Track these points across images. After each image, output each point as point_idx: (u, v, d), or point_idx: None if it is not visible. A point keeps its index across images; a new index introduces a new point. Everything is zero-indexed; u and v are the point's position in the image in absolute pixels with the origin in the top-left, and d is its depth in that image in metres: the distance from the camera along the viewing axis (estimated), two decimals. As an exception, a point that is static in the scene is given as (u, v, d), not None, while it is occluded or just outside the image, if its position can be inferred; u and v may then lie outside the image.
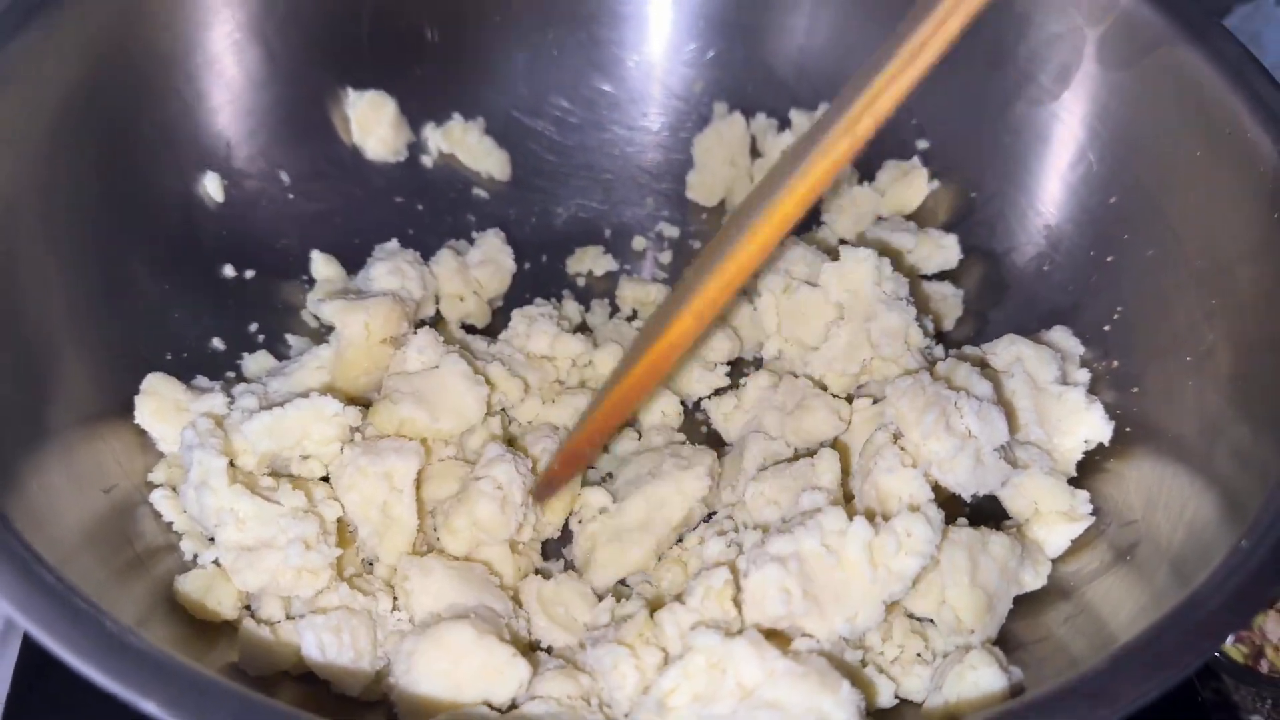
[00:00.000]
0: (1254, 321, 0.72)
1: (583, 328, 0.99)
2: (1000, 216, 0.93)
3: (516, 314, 0.94)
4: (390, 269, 0.91)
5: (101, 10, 0.79)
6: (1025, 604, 0.76)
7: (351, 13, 0.95)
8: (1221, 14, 1.40)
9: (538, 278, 1.01)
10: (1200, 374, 0.75)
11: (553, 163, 1.04)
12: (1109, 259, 0.85)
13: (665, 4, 1.02)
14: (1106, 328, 0.84)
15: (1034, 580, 0.76)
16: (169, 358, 0.83)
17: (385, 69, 0.98)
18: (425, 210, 1.01)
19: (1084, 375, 0.84)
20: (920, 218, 0.98)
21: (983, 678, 0.67)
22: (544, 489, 0.81)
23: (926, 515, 0.70)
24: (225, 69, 0.89)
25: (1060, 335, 0.86)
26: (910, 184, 0.98)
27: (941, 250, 0.94)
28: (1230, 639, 0.91)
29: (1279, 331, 0.70)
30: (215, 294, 0.89)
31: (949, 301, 0.94)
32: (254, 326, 0.91)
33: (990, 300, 0.93)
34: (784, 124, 1.03)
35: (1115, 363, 0.83)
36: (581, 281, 1.02)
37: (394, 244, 0.96)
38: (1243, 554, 0.57)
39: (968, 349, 0.87)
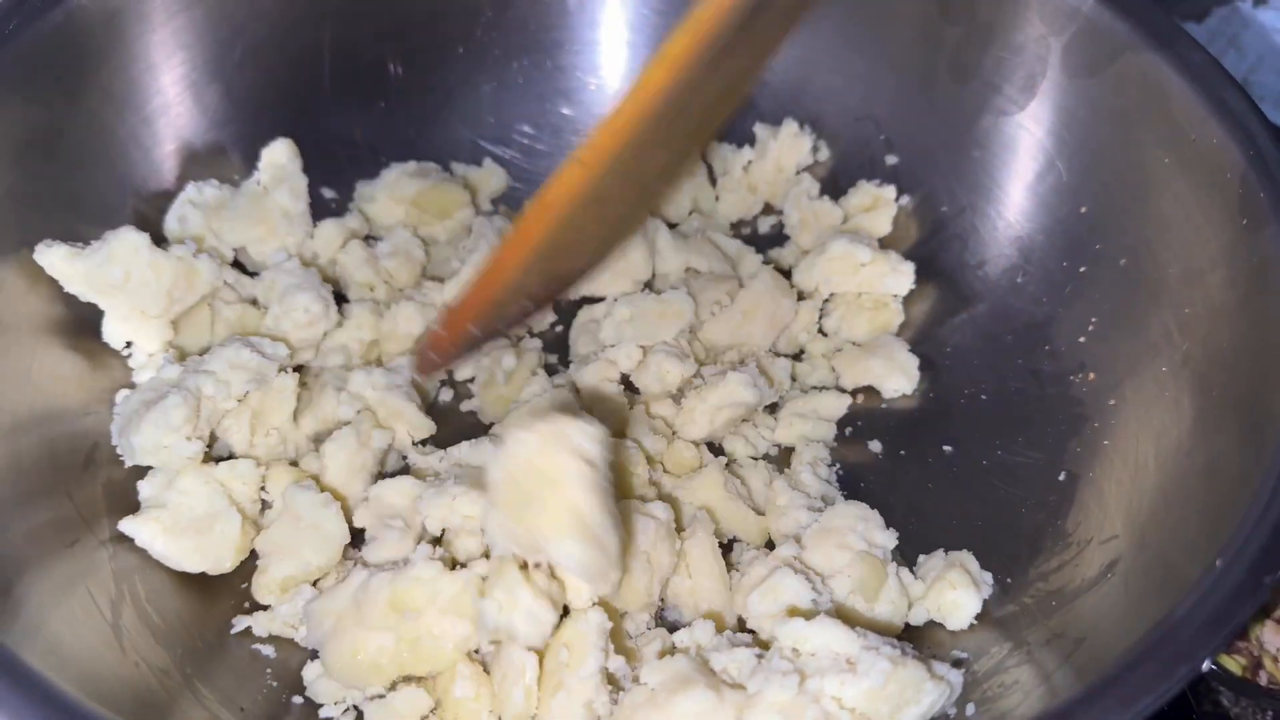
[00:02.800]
0: (1227, 328, 0.72)
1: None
2: (972, 229, 0.92)
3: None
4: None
5: (51, 56, 0.79)
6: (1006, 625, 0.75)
7: (312, 49, 0.95)
8: (1199, 17, 1.40)
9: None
10: (1176, 383, 0.74)
11: (520, 190, 1.03)
12: (1082, 269, 0.84)
13: (627, 28, 1.01)
14: (1082, 339, 0.83)
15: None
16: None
17: (348, 104, 0.97)
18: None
19: None
20: (894, 228, 0.97)
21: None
22: (430, 356, 0.70)
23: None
24: (183, 111, 0.88)
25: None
26: (879, 214, 0.97)
27: (896, 274, 0.92)
28: (1226, 651, 0.89)
29: (1252, 338, 0.69)
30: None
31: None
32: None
33: (965, 313, 0.92)
34: (746, 140, 1.02)
35: (1092, 375, 0.82)
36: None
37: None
38: (1218, 573, 0.56)
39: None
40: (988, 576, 0.77)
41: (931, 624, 0.76)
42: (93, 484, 0.77)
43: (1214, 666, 0.87)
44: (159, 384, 0.80)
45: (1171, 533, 0.68)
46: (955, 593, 0.75)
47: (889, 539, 0.78)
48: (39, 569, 0.69)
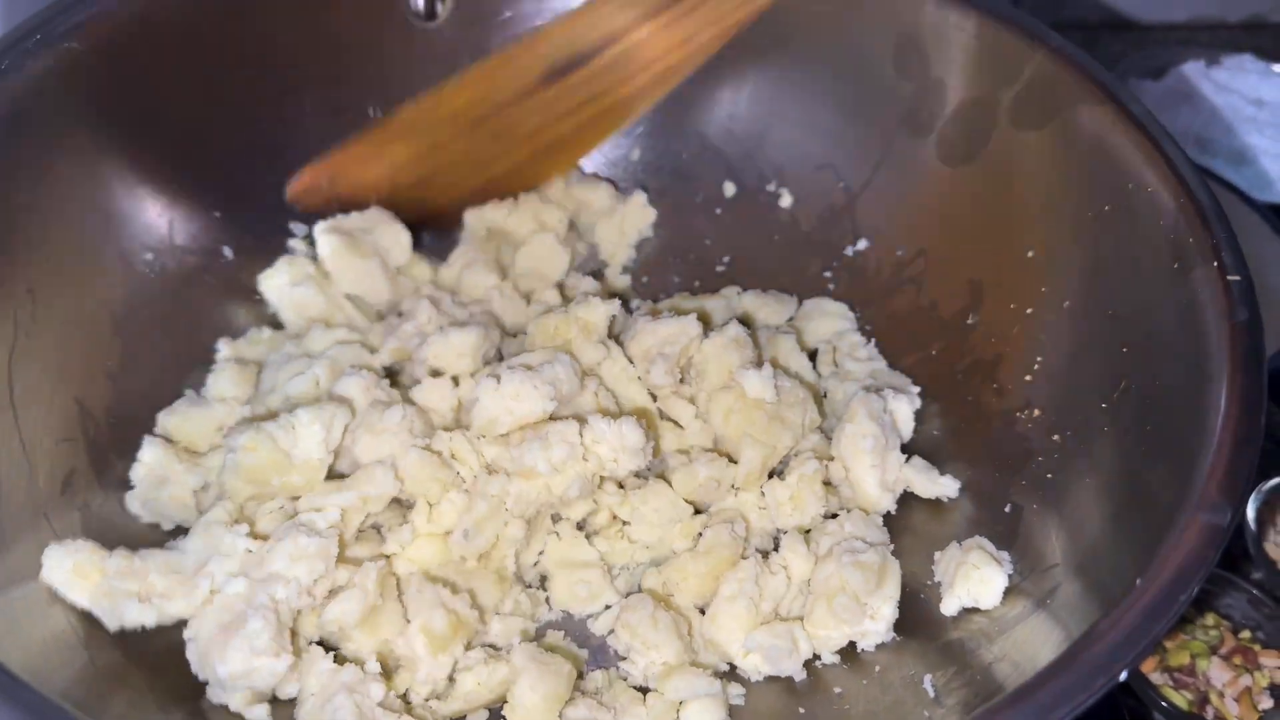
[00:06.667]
0: (1161, 366, 0.74)
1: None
2: (926, 273, 0.96)
3: None
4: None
5: (42, 104, 0.82)
6: (955, 652, 0.77)
7: (295, 90, 0.98)
8: (1156, 75, 1.45)
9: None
10: (1115, 419, 0.77)
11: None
12: (1028, 311, 0.87)
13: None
14: (1028, 378, 0.86)
15: None
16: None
17: (329, 144, 1.00)
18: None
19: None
20: (853, 272, 1.01)
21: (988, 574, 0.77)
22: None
23: None
24: (168, 150, 0.92)
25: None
26: None
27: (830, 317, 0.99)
28: (1175, 686, 0.91)
29: (1183, 374, 0.72)
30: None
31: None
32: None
33: (919, 353, 0.95)
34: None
35: (1036, 411, 0.84)
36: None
37: None
38: (1137, 592, 0.58)
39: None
40: (1005, 554, 0.80)
41: (966, 611, 0.79)
42: (70, 509, 0.79)
43: (1164, 703, 0.89)
44: (229, 601, 0.75)
45: (1106, 559, 0.70)
46: (980, 571, 0.78)
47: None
48: (14, 590, 0.71)
